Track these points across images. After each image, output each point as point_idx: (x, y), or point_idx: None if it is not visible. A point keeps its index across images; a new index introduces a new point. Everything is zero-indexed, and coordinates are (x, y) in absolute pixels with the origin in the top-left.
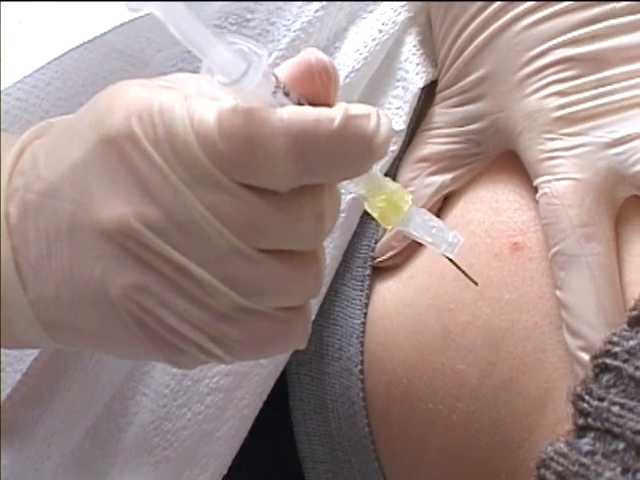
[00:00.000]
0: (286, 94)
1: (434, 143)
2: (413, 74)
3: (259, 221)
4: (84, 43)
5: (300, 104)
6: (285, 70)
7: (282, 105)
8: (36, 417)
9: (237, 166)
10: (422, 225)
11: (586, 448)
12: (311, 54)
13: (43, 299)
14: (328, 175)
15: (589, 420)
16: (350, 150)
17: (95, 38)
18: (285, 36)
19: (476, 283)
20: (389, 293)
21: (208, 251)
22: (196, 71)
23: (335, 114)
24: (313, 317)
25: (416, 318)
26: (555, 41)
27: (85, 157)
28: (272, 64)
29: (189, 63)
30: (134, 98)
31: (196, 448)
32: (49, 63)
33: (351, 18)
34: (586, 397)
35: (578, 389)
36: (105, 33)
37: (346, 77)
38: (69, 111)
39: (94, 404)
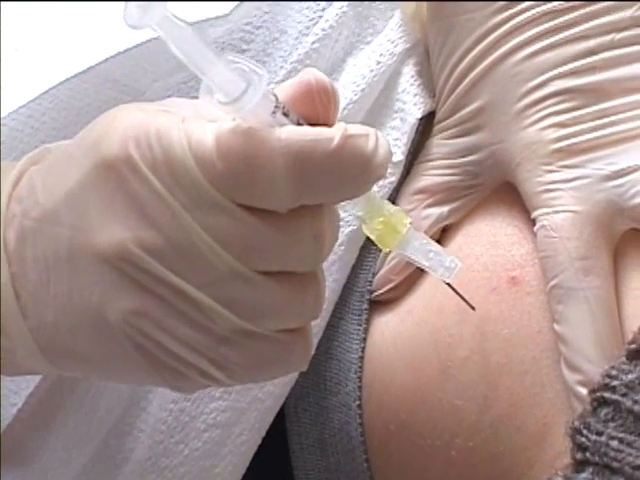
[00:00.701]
0: (285, 114)
1: (432, 175)
2: (411, 105)
3: (258, 243)
4: (79, 73)
5: (299, 124)
6: (285, 90)
7: (281, 125)
8: (32, 453)
9: (236, 187)
10: (420, 249)
11: None
12: (311, 74)
13: (43, 325)
14: (327, 195)
15: (587, 454)
16: (349, 170)
17: (90, 68)
18: (282, 68)
19: (473, 308)
20: (387, 327)
21: (207, 274)
22: None
23: (334, 134)
24: (316, 341)
25: (414, 353)
26: (554, 72)
27: (82, 182)
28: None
29: (185, 93)
30: (131, 122)
31: None
32: (44, 93)
33: (348, 49)
34: (584, 431)
35: (576, 423)
36: (100, 63)
37: (344, 109)
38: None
39: (91, 440)
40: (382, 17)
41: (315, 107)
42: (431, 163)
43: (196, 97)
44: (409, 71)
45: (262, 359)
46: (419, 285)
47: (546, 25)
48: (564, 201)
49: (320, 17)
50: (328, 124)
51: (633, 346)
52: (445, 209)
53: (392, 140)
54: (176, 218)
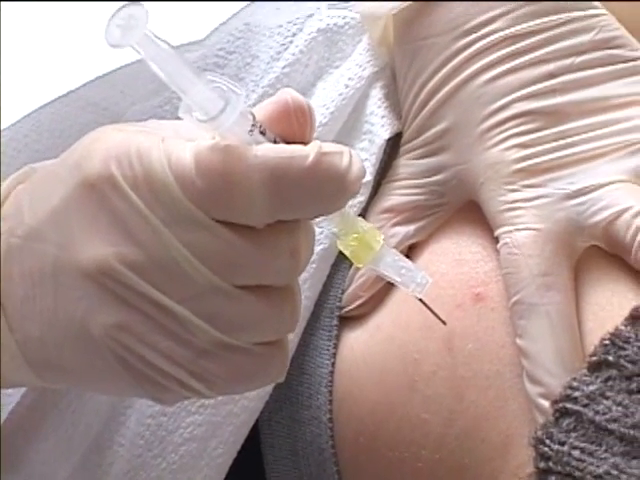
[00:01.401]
0: (262, 133)
1: (398, 194)
2: (378, 126)
3: (236, 258)
4: (60, 97)
5: (276, 142)
6: (262, 109)
7: (258, 143)
8: (12, 468)
9: (214, 203)
10: (392, 265)
11: None
12: (287, 94)
13: (29, 340)
14: (303, 211)
15: (550, 464)
16: (324, 186)
17: (70, 92)
18: (254, 92)
19: (444, 323)
20: (357, 343)
21: (187, 288)
22: None
23: (309, 151)
24: (292, 352)
25: (382, 367)
26: (515, 95)
27: (65, 201)
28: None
29: (161, 117)
30: (112, 142)
31: None
32: (26, 116)
33: (318, 74)
34: (547, 441)
35: (539, 433)
36: (80, 87)
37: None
38: None
39: (71, 454)
40: (351, 42)
41: (292, 126)
42: (398, 183)
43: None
44: (377, 94)
45: (241, 371)
46: (387, 301)
47: (507, 49)
48: (526, 219)
49: (291, 42)
50: (304, 142)
51: (594, 358)
52: (411, 228)
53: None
54: (156, 234)
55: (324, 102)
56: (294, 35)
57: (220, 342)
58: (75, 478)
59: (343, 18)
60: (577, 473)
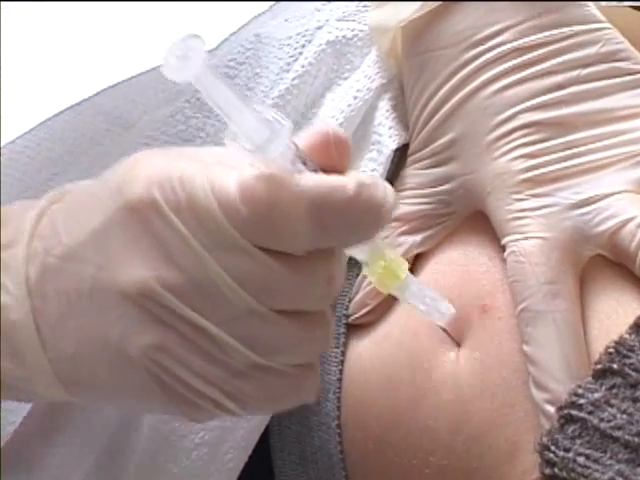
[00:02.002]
0: (304, 162)
1: (406, 204)
2: (386, 137)
3: (275, 284)
4: (72, 105)
5: (316, 172)
6: (303, 139)
7: (300, 173)
8: (27, 471)
9: (258, 230)
10: (417, 294)
11: None
12: (327, 125)
13: (62, 357)
14: (342, 239)
15: (556, 470)
16: (364, 216)
17: (83, 101)
18: (264, 103)
19: (459, 345)
20: (365, 350)
21: (226, 311)
22: (179, 134)
23: (350, 182)
24: None
25: (391, 375)
26: (522, 106)
27: (107, 223)
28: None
29: (172, 127)
30: (154, 167)
31: None
32: (40, 124)
33: (327, 85)
34: (552, 447)
35: (544, 439)
36: (92, 96)
37: None
38: (59, 170)
39: (84, 460)
40: (359, 54)
41: (331, 156)
42: (405, 192)
43: (182, 130)
44: (385, 105)
45: (274, 392)
46: (395, 309)
47: (515, 61)
48: (533, 228)
49: (300, 54)
50: (342, 172)
51: (599, 366)
52: (418, 237)
53: (369, 171)
54: (198, 259)
55: (333, 113)
56: (303, 47)
57: (255, 363)
58: None
59: (352, 30)
60: (582, 479)
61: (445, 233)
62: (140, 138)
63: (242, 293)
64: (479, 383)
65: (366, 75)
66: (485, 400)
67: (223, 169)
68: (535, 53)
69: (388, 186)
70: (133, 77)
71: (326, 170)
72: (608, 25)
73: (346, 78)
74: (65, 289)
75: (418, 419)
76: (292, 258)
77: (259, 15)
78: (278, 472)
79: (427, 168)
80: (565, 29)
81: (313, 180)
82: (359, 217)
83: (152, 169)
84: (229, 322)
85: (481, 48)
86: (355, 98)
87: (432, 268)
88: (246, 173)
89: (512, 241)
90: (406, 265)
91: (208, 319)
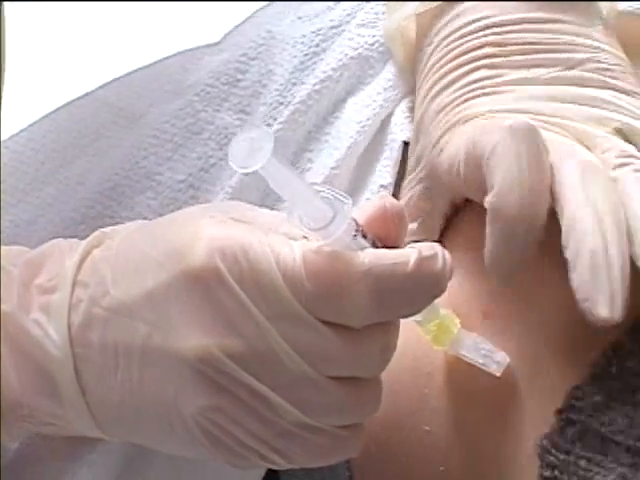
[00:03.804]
0: (364, 237)
1: (405, 196)
2: (398, 131)
3: (333, 354)
4: (77, 98)
5: (375, 245)
6: (362, 213)
7: (361, 247)
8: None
9: (322, 305)
10: (473, 347)
11: None
12: (385, 199)
13: (104, 404)
14: (401, 313)
15: (556, 472)
16: (423, 290)
17: (86, 94)
18: (282, 104)
19: (498, 376)
20: None
21: (282, 377)
22: (188, 127)
23: (410, 256)
24: None
25: (394, 379)
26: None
27: (165, 286)
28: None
29: (182, 119)
30: (214, 234)
31: None
32: (44, 117)
33: (350, 90)
34: (552, 450)
35: (544, 442)
36: (96, 89)
37: (349, 147)
38: (64, 162)
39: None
40: (381, 59)
41: (388, 229)
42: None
43: (191, 123)
44: (402, 107)
45: (320, 451)
46: None
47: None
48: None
49: (315, 53)
50: (399, 242)
51: (597, 369)
52: (414, 225)
53: (383, 167)
54: (260, 329)
55: (359, 119)
56: (317, 46)
57: (304, 424)
58: None
59: (373, 37)
60: None
61: (438, 224)
62: (149, 130)
63: (300, 362)
64: (480, 390)
65: (387, 79)
66: (484, 406)
67: (283, 240)
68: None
69: (446, 254)
70: (137, 70)
71: (384, 241)
72: (608, 48)
73: (368, 83)
74: (113, 341)
75: (417, 424)
76: (350, 330)
77: (263, 8)
78: (282, 472)
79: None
80: (562, 36)
81: (375, 256)
82: (417, 291)
83: (212, 235)
84: (284, 387)
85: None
86: (375, 102)
87: None
88: (308, 246)
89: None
90: (457, 320)
91: (264, 384)
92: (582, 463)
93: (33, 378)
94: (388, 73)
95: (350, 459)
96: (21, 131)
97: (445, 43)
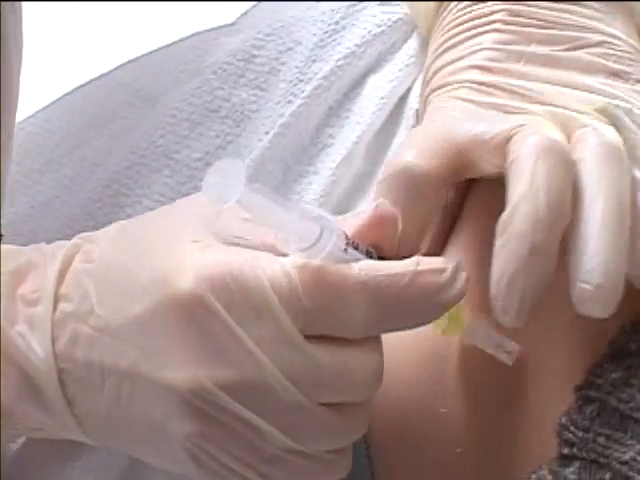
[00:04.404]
0: (355, 247)
1: None
2: (413, 100)
3: (327, 381)
4: (92, 80)
5: (369, 255)
6: (355, 223)
7: (355, 259)
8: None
9: (318, 321)
10: (483, 337)
11: (572, 477)
12: (370, 205)
13: (91, 415)
14: (400, 325)
15: (574, 450)
16: (420, 304)
17: (102, 75)
18: (302, 81)
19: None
20: (388, 336)
21: (273, 405)
22: (205, 105)
23: (407, 268)
24: None
25: (412, 360)
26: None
27: (151, 313)
28: (296, 112)
29: (198, 97)
30: (200, 262)
31: None
32: (60, 99)
33: (371, 66)
34: (571, 427)
35: (563, 420)
36: (112, 70)
37: (370, 124)
38: (80, 143)
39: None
40: (402, 37)
41: (380, 234)
42: None
43: (207, 101)
44: (420, 81)
45: (307, 475)
46: None
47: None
48: None
49: (335, 31)
50: (394, 247)
51: (616, 346)
52: None
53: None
54: (252, 357)
55: (381, 94)
56: (337, 23)
57: (292, 449)
58: None
59: (396, 14)
60: (602, 459)
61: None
62: (166, 110)
63: (294, 391)
64: (496, 371)
65: (409, 55)
66: (502, 387)
67: (273, 259)
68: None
69: (459, 267)
70: (152, 52)
71: (379, 247)
72: (623, 37)
73: (389, 60)
74: (99, 360)
75: (433, 406)
76: (344, 346)
77: None
78: None
79: None
80: (578, 18)
81: (369, 268)
82: (415, 305)
83: (199, 260)
84: (274, 414)
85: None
86: (397, 78)
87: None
88: (301, 263)
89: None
90: (467, 309)
91: (254, 411)
92: (601, 440)
93: (20, 387)
94: (410, 49)
95: (368, 444)
96: (37, 112)
97: (460, 7)
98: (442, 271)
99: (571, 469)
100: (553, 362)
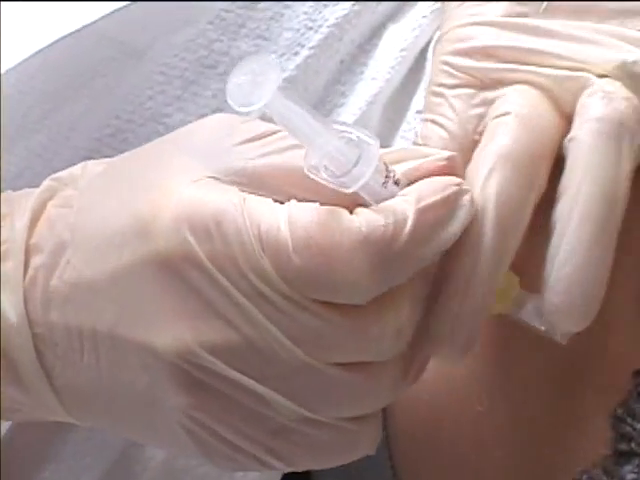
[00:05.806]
0: (396, 182)
1: None
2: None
3: (333, 338)
4: (72, 33)
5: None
6: (408, 159)
7: (393, 196)
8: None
9: (313, 283)
10: (535, 311)
11: (630, 477)
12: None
13: (73, 389)
14: (408, 276)
15: (633, 445)
16: (428, 247)
17: (83, 27)
18: (311, 29)
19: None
20: None
21: (275, 369)
22: (200, 60)
23: (408, 212)
24: None
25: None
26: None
27: (130, 267)
28: (303, 65)
29: (193, 52)
30: (182, 202)
31: None
32: (34, 54)
33: (389, 15)
34: (628, 419)
35: (619, 411)
36: (95, 21)
37: (388, 80)
38: (56, 106)
39: (108, 447)
40: None
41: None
42: None
43: (203, 56)
44: None
45: (325, 449)
46: None
47: None
48: None
49: None
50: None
51: None
52: None
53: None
54: (243, 314)
55: (401, 45)
56: None
57: (302, 418)
58: (111, 473)
59: None
60: None
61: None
62: (154, 66)
63: (294, 349)
64: (538, 365)
65: (428, 6)
66: (545, 382)
67: (266, 203)
68: None
69: (465, 191)
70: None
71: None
72: None
73: (412, 6)
74: (76, 321)
75: (471, 403)
76: (351, 308)
77: None
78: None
79: None
80: None
81: (372, 218)
82: (422, 250)
83: (180, 202)
84: (275, 378)
85: None
86: (420, 26)
87: None
88: (296, 211)
89: None
90: (517, 278)
91: (254, 378)
92: None
93: None
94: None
95: (391, 448)
96: (7, 71)
97: None
98: (443, 202)
99: (629, 467)
100: (606, 349)
